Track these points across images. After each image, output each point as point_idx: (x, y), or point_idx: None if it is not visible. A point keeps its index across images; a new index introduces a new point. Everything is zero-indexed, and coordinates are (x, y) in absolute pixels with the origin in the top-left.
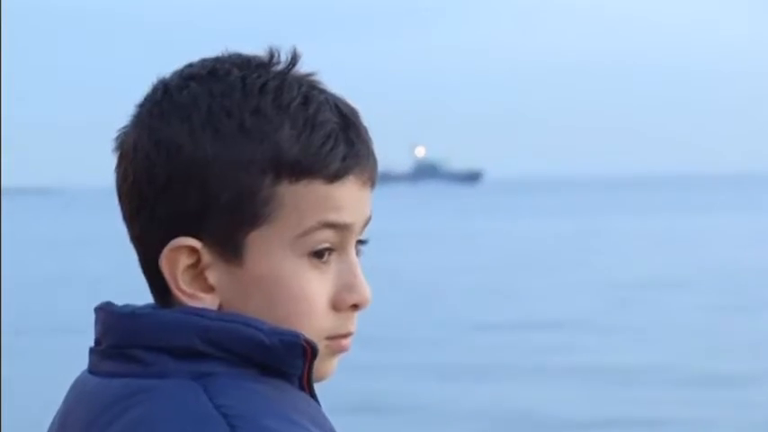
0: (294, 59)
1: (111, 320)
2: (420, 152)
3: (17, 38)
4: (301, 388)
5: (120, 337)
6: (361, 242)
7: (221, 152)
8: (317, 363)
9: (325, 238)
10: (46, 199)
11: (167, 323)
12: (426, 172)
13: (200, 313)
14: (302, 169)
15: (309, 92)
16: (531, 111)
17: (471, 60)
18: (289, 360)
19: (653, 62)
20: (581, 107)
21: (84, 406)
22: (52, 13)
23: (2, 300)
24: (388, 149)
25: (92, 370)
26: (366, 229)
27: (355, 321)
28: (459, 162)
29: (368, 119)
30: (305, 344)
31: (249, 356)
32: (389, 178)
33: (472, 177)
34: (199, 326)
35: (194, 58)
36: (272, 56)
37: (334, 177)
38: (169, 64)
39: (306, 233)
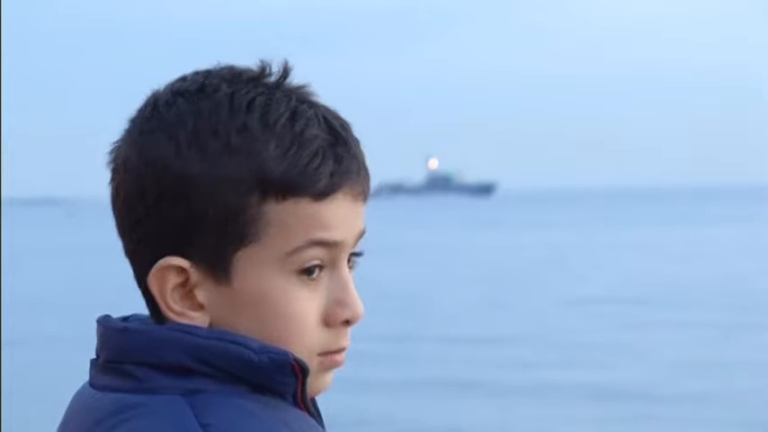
0: (285, 72)
1: (107, 335)
2: (433, 164)
3: (19, 41)
4: (296, 405)
5: (114, 351)
6: (355, 254)
7: (207, 171)
8: (310, 379)
9: (313, 255)
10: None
11: (158, 340)
12: (439, 184)
13: (190, 330)
14: (289, 187)
15: (298, 107)
16: (546, 123)
17: (484, 73)
18: (278, 378)
19: (665, 76)
20: (597, 121)
21: (79, 418)
22: (77, 23)
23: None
24: (402, 162)
25: (91, 382)
26: (360, 242)
27: (348, 336)
28: (472, 174)
29: (381, 131)
30: (294, 362)
31: (239, 374)
32: (402, 190)
33: (485, 190)
34: (189, 343)
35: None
36: (263, 69)
37: (322, 195)
38: (174, 73)
39: (294, 252)
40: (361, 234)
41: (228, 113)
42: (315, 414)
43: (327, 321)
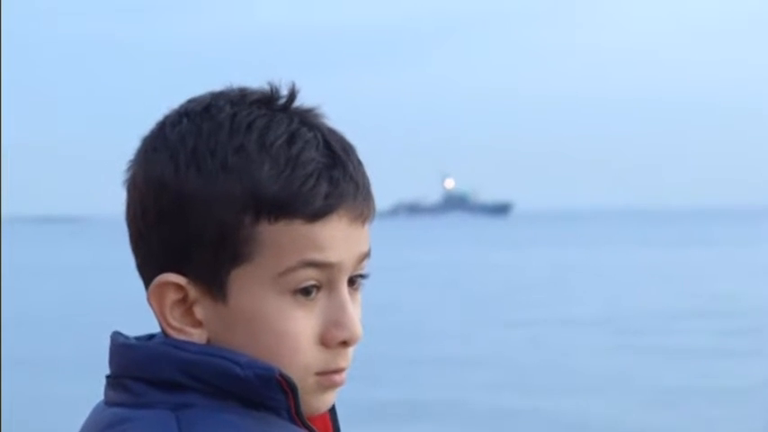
0: (292, 95)
1: (113, 350)
2: (449, 184)
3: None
4: (293, 421)
5: (117, 366)
6: (360, 276)
7: (203, 190)
8: (307, 397)
9: (307, 276)
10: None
11: (152, 356)
12: (456, 203)
13: (182, 347)
14: (281, 208)
15: (298, 129)
16: (553, 143)
17: (486, 91)
18: (265, 393)
19: (664, 96)
20: (603, 140)
21: (87, 430)
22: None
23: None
24: (419, 181)
25: (104, 397)
26: (365, 264)
27: (348, 356)
28: (488, 194)
29: (397, 150)
30: (279, 378)
31: (228, 389)
32: (419, 210)
33: (502, 209)
34: (180, 359)
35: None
36: (271, 91)
37: (315, 216)
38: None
39: (286, 272)
40: (364, 256)
41: (227, 134)
42: (328, 429)
43: (324, 341)
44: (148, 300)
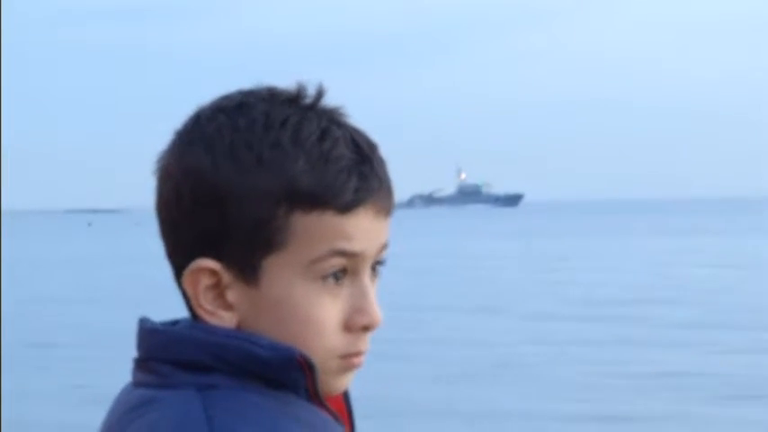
0: (320, 94)
1: (141, 335)
2: (463, 176)
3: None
4: (310, 400)
5: (145, 350)
6: (379, 263)
7: (240, 182)
8: (327, 378)
9: (335, 264)
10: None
11: (179, 338)
12: (470, 195)
13: (208, 329)
14: (315, 200)
15: (328, 127)
16: (564, 142)
17: (503, 99)
18: (285, 373)
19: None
20: (616, 138)
21: (114, 409)
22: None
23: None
24: (435, 175)
25: (132, 379)
26: (384, 254)
27: (368, 341)
28: (500, 186)
29: (413, 145)
30: (299, 357)
31: (250, 370)
32: (435, 201)
33: (513, 200)
34: (204, 341)
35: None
36: (299, 90)
37: (345, 209)
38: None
39: (317, 260)
40: (384, 246)
41: (263, 130)
42: (342, 410)
43: (347, 326)
44: (183, 283)
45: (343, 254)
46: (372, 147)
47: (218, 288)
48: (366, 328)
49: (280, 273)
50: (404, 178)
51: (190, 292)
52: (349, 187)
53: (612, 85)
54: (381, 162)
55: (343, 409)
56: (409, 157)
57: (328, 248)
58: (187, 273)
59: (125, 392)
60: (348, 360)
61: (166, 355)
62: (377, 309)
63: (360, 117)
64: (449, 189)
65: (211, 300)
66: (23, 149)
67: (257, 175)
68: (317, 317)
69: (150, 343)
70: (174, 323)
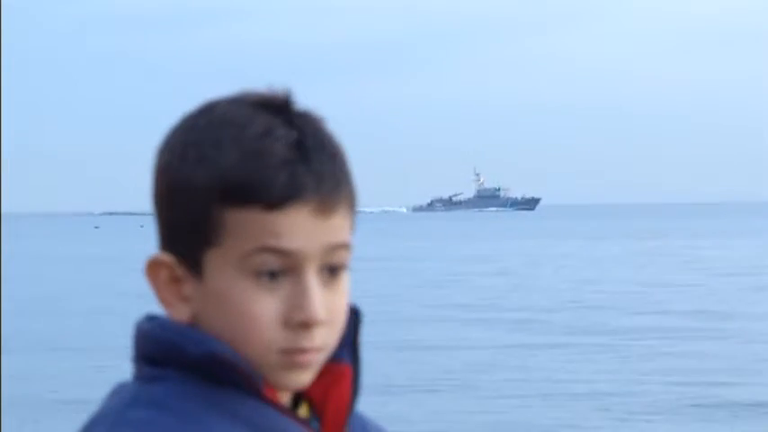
0: (288, 98)
1: (134, 331)
2: (482, 180)
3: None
4: (253, 395)
5: (131, 344)
6: (340, 267)
7: (184, 178)
8: (273, 373)
9: (265, 260)
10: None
11: (142, 334)
12: (488, 198)
13: (161, 324)
14: (244, 195)
15: (274, 127)
16: (581, 145)
17: (509, 103)
18: (215, 369)
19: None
20: (638, 142)
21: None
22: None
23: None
24: (454, 178)
25: None
26: (341, 255)
27: (313, 338)
28: (518, 189)
29: (430, 149)
30: (220, 355)
31: (189, 365)
32: (454, 204)
33: (530, 203)
34: (155, 337)
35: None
36: (269, 94)
37: (273, 205)
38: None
39: (247, 255)
40: (335, 247)
41: (212, 128)
42: (341, 419)
43: (286, 322)
44: (145, 275)
45: (271, 251)
46: (323, 148)
47: (176, 281)
48: (304, 325)
49: (219, 267)
50: (423, 182)
51: (150, 283)
52: (277, 183)
53: (632, 91)
54: (328, 161)
55: (342, 419)
56: (427, 162)
57: (256, 245)
58: (146, 264)
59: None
60: (290, 356)
61: (136, 350)
62: (316, 306)
63: (377, 123)
64: (468, 193)
65: (172, 292)
66: (63, 152)
67: (197, 172)
68: (251, 311)
69: (134, 339)
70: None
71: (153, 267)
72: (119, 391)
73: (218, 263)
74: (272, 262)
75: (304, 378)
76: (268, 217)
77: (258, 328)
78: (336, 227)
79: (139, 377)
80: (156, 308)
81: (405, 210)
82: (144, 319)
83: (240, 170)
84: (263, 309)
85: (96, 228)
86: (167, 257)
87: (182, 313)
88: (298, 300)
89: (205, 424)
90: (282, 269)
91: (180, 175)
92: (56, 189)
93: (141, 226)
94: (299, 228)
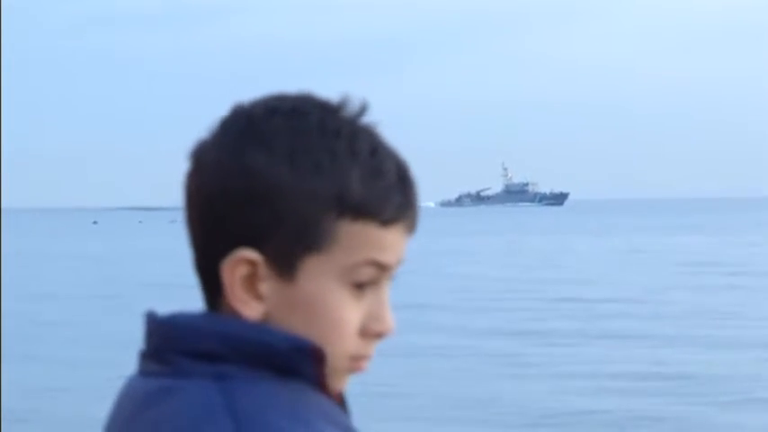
0: (363, 109)
1: (153, 327)
2: (510, 175)
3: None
4: (320, 390)
5: (157, 341)
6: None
7: (295, 183)
8: (333, 376)
9: (368, 272)
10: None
11: (195, 329)
12: (516, 194)
13: (224, 321)
14: (363, 211)
15: (376, 142)
16: (606, 141)
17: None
18: (297, 362)
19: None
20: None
21: (123, 403)
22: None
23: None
24: (482, 174)
25: (139, 371)
26: (397, 268)
27: (374, 347)
28: (546, 185)
29: (458, 144)
30: (312, 347)
31: (264, 360)
32: (482, 199)
33: (558, 199)
34: (220, 331)
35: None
36: (343, 103)
37: (387, 222)
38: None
39: (354, 267)
40: (401, 261)
41: (319, 136)
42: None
43: (363, 332)
44: (222, 271)
45: (376, 264)
46: (407, 166)
47: (252, 279)
48: (379, 335)
49: (317, 273)
50: (451, 177)
51: (227, 279)
52: (394, 202)
53: (663, 91)
54: (414, 181)
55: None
56: (455, 157)
57: (366, 257)
58: (229, 260)
59: (132, 384)
60: (356, 362)
61: (181, 345)
62: (391, 319)
63: (403, 119)
64: (496, 188)
65: (246, 288)
66: (80, 150)
67: (313, 180)
68: (344, 320)
69: (164, 334)
70: (163, 314)
71: (235, 263)
72: (185, 390)
73: (319, 269)
74: (371, 274)
75: (347, 382)
76: (380, 233)
77: (346, 334)
78: (407, 243)
79: (198, 373)
80: (157, 306)
81: (432, 204)
82: (177, 315)
83: (363, 187)
84: (353, 317)
85: (95, 223)
86: (256, 256)
87: (255, 311)
88: (378, 311)
89: (313, 425)
90: (371, 281)
91: (288, 179)
92: (55, 186)
93: (140, 222)
94: (397, 244)
